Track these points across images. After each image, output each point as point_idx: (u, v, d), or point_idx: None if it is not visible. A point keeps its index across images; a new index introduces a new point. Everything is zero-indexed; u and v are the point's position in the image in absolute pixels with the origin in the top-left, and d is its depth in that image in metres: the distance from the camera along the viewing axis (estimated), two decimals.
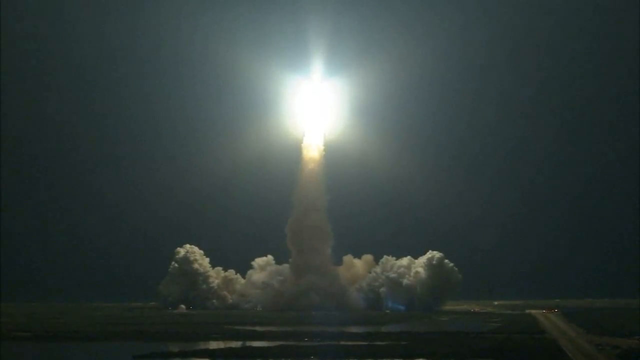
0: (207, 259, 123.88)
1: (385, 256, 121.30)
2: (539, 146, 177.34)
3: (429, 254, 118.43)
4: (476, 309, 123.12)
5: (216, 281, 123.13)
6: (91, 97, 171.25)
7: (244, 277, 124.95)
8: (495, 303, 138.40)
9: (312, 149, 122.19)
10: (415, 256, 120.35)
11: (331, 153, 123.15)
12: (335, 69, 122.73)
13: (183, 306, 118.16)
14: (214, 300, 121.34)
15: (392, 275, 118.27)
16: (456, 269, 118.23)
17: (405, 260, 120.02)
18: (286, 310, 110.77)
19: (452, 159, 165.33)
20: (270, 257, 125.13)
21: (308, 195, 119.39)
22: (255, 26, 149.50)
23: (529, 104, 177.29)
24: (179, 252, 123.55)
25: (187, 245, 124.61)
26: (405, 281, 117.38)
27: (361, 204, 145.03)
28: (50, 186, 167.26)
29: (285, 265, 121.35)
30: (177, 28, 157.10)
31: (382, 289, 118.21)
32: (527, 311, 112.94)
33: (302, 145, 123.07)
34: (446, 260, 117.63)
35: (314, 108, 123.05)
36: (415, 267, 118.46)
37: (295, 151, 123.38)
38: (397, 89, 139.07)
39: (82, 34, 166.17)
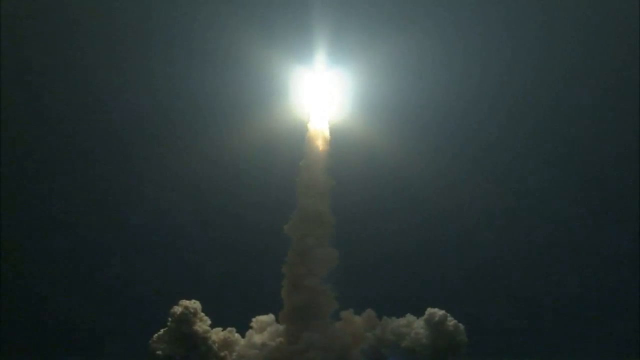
0: (209, 322, 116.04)
1: (384, 317, 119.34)
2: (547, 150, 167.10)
3: (429, 312, 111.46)
4: None
5: (216, 343, 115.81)
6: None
7: (243, 336, 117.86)
8: None
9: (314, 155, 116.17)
10: (418, 312, 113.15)
11: (336, 142, 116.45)
12: (339, 57, 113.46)
13: None
14: None
15: (391, 337, 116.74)
16: (461, 326, 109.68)
17: (405, 320, 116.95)
18: None
19: (458, 156, 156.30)
20: (271, 316, 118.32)
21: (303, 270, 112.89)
22: (258, 14, 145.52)
23: (545, 95, 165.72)
24: (175, 312, 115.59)
25: (185, 301, 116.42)
26: (404, 343, 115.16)
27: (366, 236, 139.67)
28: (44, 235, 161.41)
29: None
30: (179, 16, 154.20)
31: (383, 350, 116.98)
32: None
33: (306, 134, 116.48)
34: (449, 318, 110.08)
35: (318, 98, 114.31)
36: (416, 327, 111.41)
37: (296, 150, 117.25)
38: (400, 79, 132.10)
39: (84, 21, 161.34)
